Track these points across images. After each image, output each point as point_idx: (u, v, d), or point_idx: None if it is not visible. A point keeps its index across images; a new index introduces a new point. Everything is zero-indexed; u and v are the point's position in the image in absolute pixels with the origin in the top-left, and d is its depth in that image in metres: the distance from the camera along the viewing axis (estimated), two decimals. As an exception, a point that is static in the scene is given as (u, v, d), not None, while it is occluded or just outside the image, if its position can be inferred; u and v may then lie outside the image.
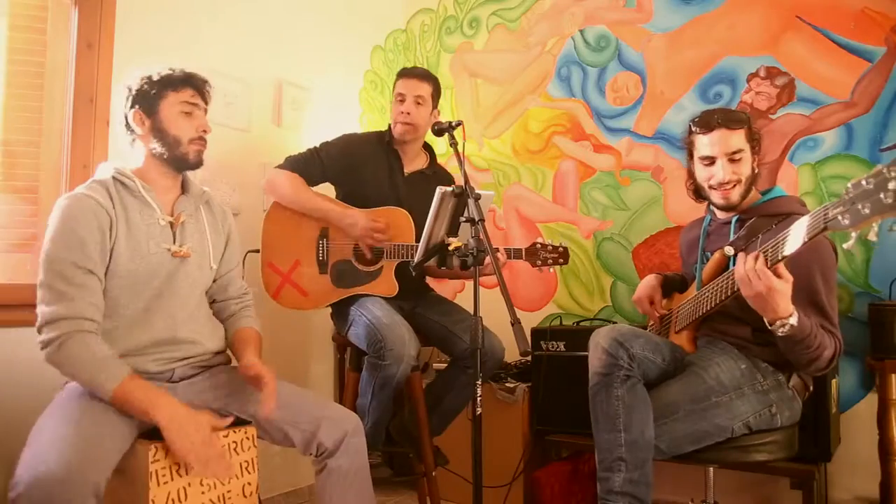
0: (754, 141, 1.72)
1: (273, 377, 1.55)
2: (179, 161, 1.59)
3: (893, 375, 1.86)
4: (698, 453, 1.62)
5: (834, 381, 1.96)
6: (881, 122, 2.09)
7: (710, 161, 1.72)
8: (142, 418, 1.38)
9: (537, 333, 2.39)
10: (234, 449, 1.53)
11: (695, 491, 2.22)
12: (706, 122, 1.71)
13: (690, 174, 1.85)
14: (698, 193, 1.86)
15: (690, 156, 1.81)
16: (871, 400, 2.00)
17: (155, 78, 1.56)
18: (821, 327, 1.54)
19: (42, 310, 1.39)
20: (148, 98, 1.55)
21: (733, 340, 1.71)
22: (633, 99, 2.58)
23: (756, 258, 1.44)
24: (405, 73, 2.28)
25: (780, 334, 1.48)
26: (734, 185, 1.70)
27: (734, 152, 1.68)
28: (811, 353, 1.51)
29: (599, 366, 1.61)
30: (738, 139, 1.68)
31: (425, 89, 2.24)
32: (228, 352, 1.75)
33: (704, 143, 1.72)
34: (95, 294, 1.43)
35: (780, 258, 1.41)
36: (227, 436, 1.52)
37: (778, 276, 1.43)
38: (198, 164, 1.62)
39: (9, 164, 2.04)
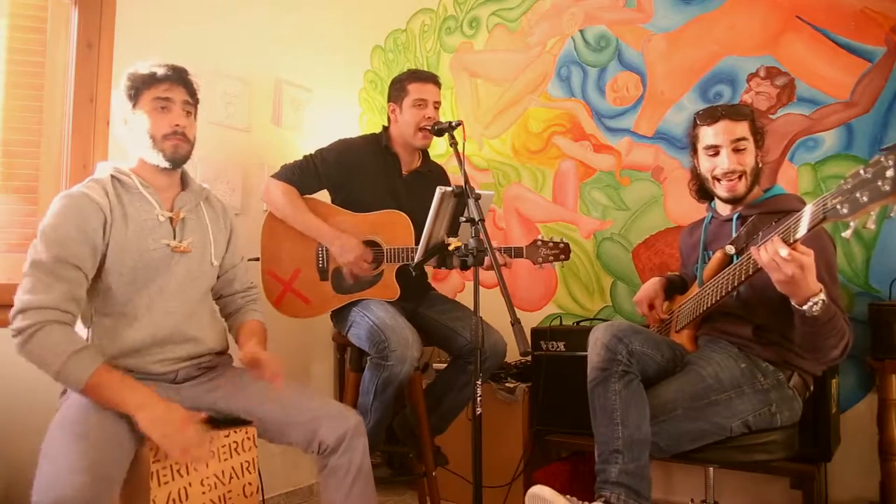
0: (758, 134, 1.73)
1: (273, 361, 1.55)
2: (159, 159, 1.55)
3: (893, 375, 1.85)
4: (698, 453, 1.63)
5: (834, 381, 1.96)
6: (881, 122, 2.08)
7: (715, 151, 1.73)
8: (114, 409, 1.36)
9: (537, 333, 2.39)
10: (235, 449, 1.54)
11: (695, 491, 2.23)
12: (711, 113, 1.74)
13: (694, 172, 1.86)
14: (702, 192, 1.87)
15: (694, 151, 1.81)
16: (871, 400, 2.00)
17: (137, 76, 1.54)
18: None
19: (19, 297, 1.36)
20: (131, 98, 1.54)
21: (734, 340, 1.71)
22: (633, 99, 2.58)
23: (775, 242, 1.41)
24: (422, 77, 2.24)
25: (814, 313, 1.42)
26: (740, 177, 1.71)
27: (738, 140, 1.70)
28: (835, 335, 1.48)
29: (598, 361, 1.62)
30: (742, 129, 1.70)
31: (439, 94, 2.26)
32: (231, 352, 1.75)
33: (709, 134, 1.73)
34: (77, 289, 1.42)
35: (790, 243, 1.40)
36: (227, 436, 1.52)
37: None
38: (175, 161, 1.57)
39: (9, 164, 2.04)
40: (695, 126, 1.79)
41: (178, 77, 1.57)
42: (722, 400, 1.60)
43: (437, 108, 2.24)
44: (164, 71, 1.55)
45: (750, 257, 1.50)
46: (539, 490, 1.55)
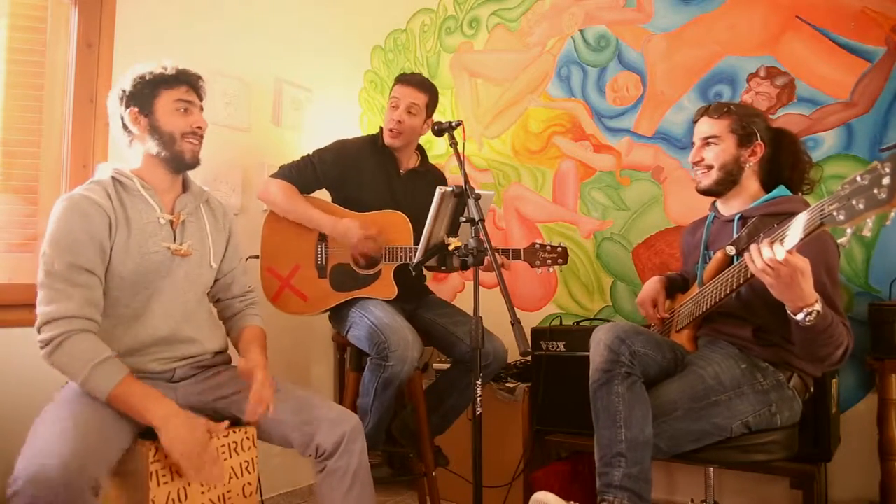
0: (743, 132, 1.74)
1: (264, 381, 1.54)
2: (176, 160, 1.58)
3: (893, 375, 1.85)
4: (698, 453, 1.62)
5: (834, 381, 1.96)
6: (881, 122, 2.08)
7: (692, 145, 1.82)
8: (137, 420, 1.38)
9: (537, 333, 2.39)
10: (235, 449, 1.54)
11: (695, 491, 2.23)
12: (699, 111, 1.83)
13: None
14: None
15: None
16: (871, 400, 2.00)
17: (148, 77, 1.55)
18: None
19: (41, 309, 1.38)
20: (142, 97, 1.55)
21: (734, 340, 1.71)
22: (633, 99, 2.58)
23: (769, 246, 1.40)
24: (402, 80, 2.26)
25: (807, 323, 1.42)
26: (707, 170, 1.77)
27: (706, 137, 1.77)
28: (832, 343, 1.48)
29: (601, 362, 1.62)
30: (715, 126, 1.76)
31: (420, 98, 2.22)
32: (229, 352, 1.75)
33: (695, 130, 1.82)
34: (95, 293, 1.43)
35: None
36: (227, 436, 1.52)
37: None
38: (193, 163, 1.61)
39: (8, 164, 2.04)
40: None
41: (194, 82, 1.61)
42: (722, 401, 1.60)
43: (410, 112, 2.21)
44: (182, 74, 1.59)
45: (745, 262, 1.49)
46: (543, 497, 1.53)
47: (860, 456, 2.02)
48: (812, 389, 1.72)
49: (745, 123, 1.74)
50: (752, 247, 1.43)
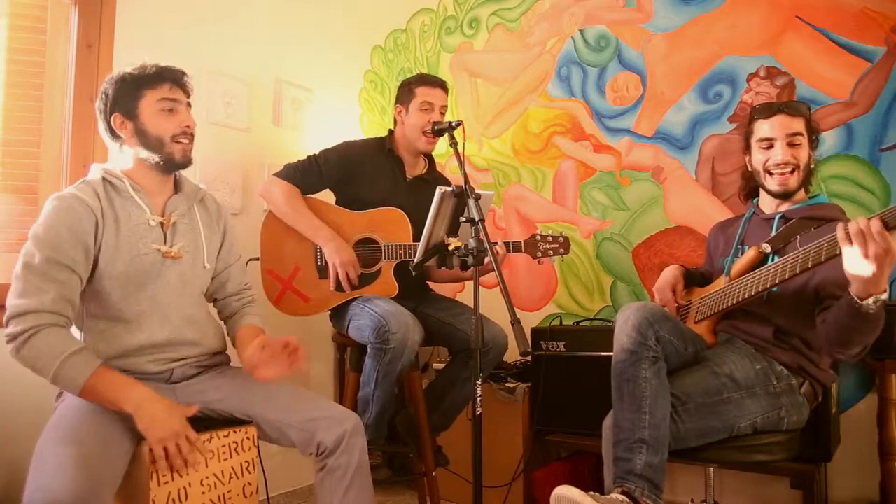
0: (813, 133, 1.74)
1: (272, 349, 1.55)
2: (166, 162, 1.56)
3: (893, 375, 1.85)
4: (700, 451, 1.62)
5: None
6: (881, 122, 2.08)
7: (770, 144, 1.73)
8: (112, 408, 1.36)
9: (537, 333, 2.39)
10: (235, 449, 1.54)
11: (695, 491, 2.23)
12: (768, 108, 1.75)
13: (744, 170, 1.86)
14: (749, 193, 1.87)
15: (747, 146, 1.81)
16: (871, 400, 2.00)
17: (128, 79, 1.52)
18: None
19: (11, 302, 1.34)
20: (125, 101, 1.51)
21: (753, 340, 1.70)
22: (633, 99, 2.58)
23: (873, 219, 1.31)
24: (430, 81, 2.24)
25: (870, 310, 1.37)
26: (792, 171, 1.71)
27: (793, 134, 1.70)
28: (870, 332, 1.45)
29: (628, 342, 1.58)
30: (797, 125, 1.71)
31: (446, 100, 2.26)
32: (228, 352, 1.75)
33: (765, 128, 1.74)
34: (70, 291, 1.40)
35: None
36: (227, 436, 1.52)
37: None
38: (185, 162, 1.58)
39: (8, 164, 2.04)
40: (750, 121, 1.80)
41: (178, 78, 1.57)
42: (734, 399, 1.58)
43: (443, 114, 2.24)
44: (163, 72, 1.54)
45: (821, 244, 1.41)
46: (566, 491, 1.47)
47: (860, 456, 2.02)
48: (820, 399, 1.72)
49: (815, 124, 1.74)
50: (840, 224, 1.35)
